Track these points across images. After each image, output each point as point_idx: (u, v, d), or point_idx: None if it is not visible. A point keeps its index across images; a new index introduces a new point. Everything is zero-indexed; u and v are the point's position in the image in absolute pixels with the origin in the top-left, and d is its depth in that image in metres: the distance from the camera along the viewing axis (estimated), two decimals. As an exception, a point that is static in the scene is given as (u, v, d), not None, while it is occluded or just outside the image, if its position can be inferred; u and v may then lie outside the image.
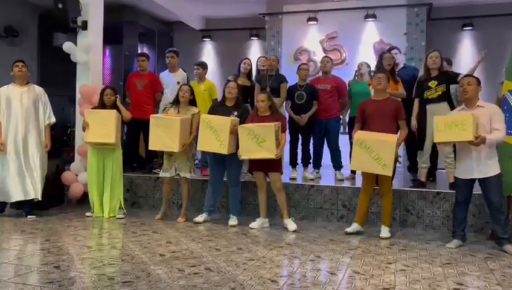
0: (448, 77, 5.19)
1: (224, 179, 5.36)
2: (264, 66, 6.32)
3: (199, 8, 10.03)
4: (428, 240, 4.67)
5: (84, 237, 4.55)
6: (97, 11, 6.50)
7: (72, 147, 6.86)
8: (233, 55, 7.58)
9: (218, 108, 5.22)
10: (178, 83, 6.38)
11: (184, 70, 6.67)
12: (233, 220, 5.17)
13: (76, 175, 6.14)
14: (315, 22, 9.23)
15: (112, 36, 7.98)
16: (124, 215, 5.52)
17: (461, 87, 4.35)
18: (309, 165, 6.28)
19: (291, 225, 4.93)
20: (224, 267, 3.59)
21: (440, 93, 5.12)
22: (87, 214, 5.58)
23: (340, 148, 6.24)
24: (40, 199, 5.38)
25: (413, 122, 5.27)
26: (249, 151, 4.81)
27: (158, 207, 5.74)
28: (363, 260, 3.88)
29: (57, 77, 9.06)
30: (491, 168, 4.21)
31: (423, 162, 5.39)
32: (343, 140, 6.31)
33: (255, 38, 10.34)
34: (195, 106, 5.42)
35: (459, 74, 5.22)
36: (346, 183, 5.75)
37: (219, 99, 5.72)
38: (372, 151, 4.43)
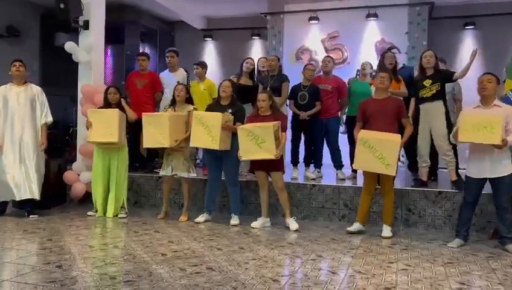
0: (443, 76, 5.20)
1: (223, 178, 5.37)
2: (265, 67, 6.32)
3: (200, 7, 10.03)
4: (430, 239, 4.66)
5: (86, 237, 4.56)
6: (99, 10, 6.52)
7: (74, 147, 6.86)
8: (234, 55, 7.58)
9: (213, 107, 5.25)
10: (178, 82, 6.37)
11: (185, 70, 6.66)
12: (234, 220, 5.17)
13: (78, 175, 6.15)
14: (316, 21, 9.22)
15: (113, 36, 8.00)
16: (126, 214, 5.53)
17: (480, 84, 4.29)
18: (311, 164, 6.28)
19: (293, 224, 4.93)
20: (225, 266, 3.59)
21: (434, 92, 5.13)
22: (89, 213, 5.59)
23: (340, 148, 6.24)
24: (38, 198, 5.39)
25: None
26: (249, 152, 4.82)
27: (160, 206, 5.74)
28: (365, 259, 3.88)
29: (58, 76, 9.09)
30: (505, 167, 4.19)
31: (423, 161, 5.38)
32: (342, 139, 6.31)
33: (257, 37, 10.34)
34: (192, 104, 5.45)
35: (453, 72, 5.22)
36: (348, 183, 5.75)
37: None
38: (376, 151, 4.43)
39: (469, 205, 4.40)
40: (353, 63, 8.92)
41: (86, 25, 6.33)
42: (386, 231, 4.69)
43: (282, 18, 9.50)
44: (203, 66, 6.61)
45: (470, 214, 4.42)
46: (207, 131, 4.91)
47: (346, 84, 6.37)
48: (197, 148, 6.05)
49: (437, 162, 5.95)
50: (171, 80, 6.41)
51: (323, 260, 3.89)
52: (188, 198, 5.45)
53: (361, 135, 4.58)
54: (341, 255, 3.99)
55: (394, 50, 6.21)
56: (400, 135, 4.56)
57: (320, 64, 8.96)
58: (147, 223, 5.19)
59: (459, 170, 5.51)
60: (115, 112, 5.35)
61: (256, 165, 5.02)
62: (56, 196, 6.16)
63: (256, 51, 10.26)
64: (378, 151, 4.42)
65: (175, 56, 6.54)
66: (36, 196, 5.36)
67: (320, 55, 9.22)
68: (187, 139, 5.22)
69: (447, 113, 5.23)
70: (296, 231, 4.86)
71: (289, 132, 5.51)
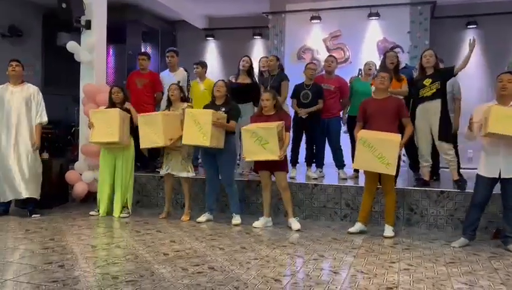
0: (443, 74, 5.20)
1: None
2: (265, 66, 6.33)
3: (202, 7, 10.03)
4: (432, 239, 4.66)
5: (88, 236, 4.57)
6: (101, 10, 6.52)
7: (76, 146, 6.88)
8: (236, 54, 7.56)
9: (208, 107, 5.25)
10: (178, 82, 6.38)
11: (186, 70, 6.67)
12: (236, 219, 5.18)
13: (80, 174, 6.16)
14: (318, 21, 9.21)
15: (115, 35, 8.00)
16: (128, 214, 5.54)
17: (499, 83, 4.22)
18: (312, 164, 6.27)
19: (295, 224, 4.94)
20: (227, 266, 3.60)
21: (434, 90, 5.11)
22: (91, 213, 5.60)
23: (342, 147, 6.24)
24: (37, 197, 5.40)
25: None
26: (253, 153, 4.82)
27: (161, 206, 5.75)
28: (367, 259, 3.88)
29: (60, 76, 9.10)
30: None
31: (424, 160, 5.37)
32: (344, 139, 6.31)
33: (258, 37, 10.33)
34: (187, 102, 5.50)
35: (453, 66, 5.20)
36: (350, 183, 5.75)
37: None
38: (376, 150, 4.43)
39: (478, 205, 4.31)
40: (355, 62, 8.89)
41: (88, 25, 6.34)
42: (388, 230, 4.69)
43: (284, 17, 9.49)
44: (203, 65, 6.62)
45: (479, 214, 4.33)
46: (198, 128, 4.93)
47: (348, 84, 6.36)
48: (198, 148, 6.06)
49: (439, 162, 5.94)
50: (171, 79, 6.40)
51: (325, 259, 3.89)
52: (188, 197, 5.46)
53: (361, 134, 4.58)
54: (343, 255, 3.99)
55: (398, 49, 6.19)
56: (400, 135, 4.56)
57: (323, 63, 9.04)
58: (149, 223, 5.19)
59: (460, 170, 5.51)
60: (115, 112, 5.35)
61: (260, 165, 5.03)
62: (58, 196, 6.18)
63: (258, 50, 10.26)
64: (378, 150, 4.42)
65: (175, 56, 6.55)
66: (34, 195, 5.37)
67: (321, 54, 9.21)
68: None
69: (447, 112, 5.22)
70: (298, 230, 4.86)
71: (290, 132, 5.50)
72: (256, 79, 6.39)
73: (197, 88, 6.40)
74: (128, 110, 5.53)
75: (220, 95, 5.19)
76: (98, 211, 5.61)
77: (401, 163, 6.72)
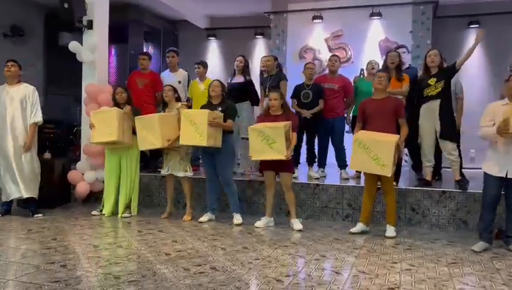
0: (447, 72, 5.19)
1: None
2: (264, 66, 6.37)
3: (204, 6, 10.02)
4: (433, 239, 4.65)
5: (90, 236, 4.58)
6: (102, 10, 6.52)
7: (78, 146, 6.89)
8: (238, 54, 7.55)
9: (205, 107, 5.26)
10: (179, 82, 6.40)
11: (185, 70, 6.69)
12: (237, 219, 5.18)
13: (82, 174, 6.16)
14: (320, 20, 9.20)
15: (117, 35, 8.01)
16: (130, 214, 5.55)
17: None
18: (314, 164, 6.27)
19: (297, 224, 4.94)
20: (229, 266, 3.60)
21: (440, 90, 5.11)
22: (93, 212, 5.61)
23: (345, 147, 6.23)
24: (33, 197, 5.41)
25: None
26: (260, 152, 4.82)
27: (163, 205, 5.76)
28: (368, 259, 3.88)
29: (63, 76, 9.10)
30: None
31: (427, 160, 5.37)
32: (348, 139, 6.30)
33: (260, 36, 10.33)
34: (187, 102, 5.57)
35: (454, 63, 5.18)
36: (352, 182, 5.74)
37: None
38: (371, 151, 4.42)
39: (490, 205, 4.23)
40: (357, 62, 8.89)
41: (90, 25, 6.34)
42: (390, 230, 4.69)
43: (286, 17, 9.48)
44: (204, 65, 6.64)
45: (492, 214, 4.23)
46: (195, 128, 4.94)
47: (352, 83, 6.36)
48: (198, 148, 6.09)
49: (441, 162, 5.93)
50: (172, 79, 6.41)
51: (327, 260, 3.89)
52: (189, 197, 5.47)
53: (357, 135, 4.59)
54: (344, 255, 3.99)
55: (403, 49, 6.16)
56: (397, 136, 4.54)
57: (325, 63, 9.05)
58: (151, 223, 5.20)
59: (462, 169, 5.50)
60: (113, 111, 5.37)
61: (266, 165, 5.02)
62: (60, 196, 6.19)
63: (260, 50, 10.26)
64: (373, 151, 4.41)
65: (175, 56, 6.56)
66: (32, 194, 5.38)
67: (323, 54, 9.21)
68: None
69: (452, 110, 5.20)
70: (300, 231, 4.86)
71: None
72: (253, 78, 6.43)
73: (197, 88, 6.40)
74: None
75: (215, 94, 5.20)
76: (101, 210, 5.63)
77: (404, 163, 6.73)
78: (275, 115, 4.96)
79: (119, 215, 5.48)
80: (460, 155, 5.40)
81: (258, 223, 5.05)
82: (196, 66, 6.53)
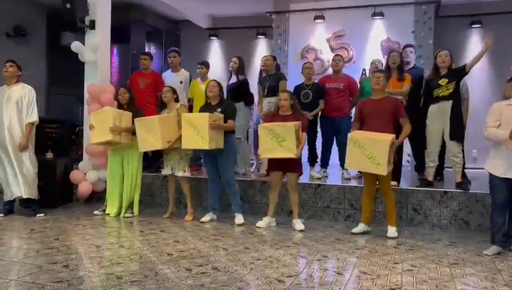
0: (457, 73, 5.17)
1: None
2: (263, 66, 6.40)
3: (206, 6, 10.04)
4: (435, 239, 4.66)
5: (93, 236, 4.59)
6: (105, 10, 6.54)
7: (80, 146, 6.90)
8: (240, 54, 7.56)
9: (204, 108, 5.28)
10: (181, 82, 6.41)
11: (187, 70, 6.72)
12: (239, 219, 5.19)
13: (85, 174, 6.18)
14: (322, 20, 9.21)
15: (119, 35, 8.03)
16: (132, 214, 5.57)
17: None
18: (316, 164, 6.27)
19: (299, 225, 4.94)
20: (231, 266, 3.61)
21: (451, 90, 5.09)
22: (96, 212, 5.63)
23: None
24: (34, 197, 5.43)
25: None
26: (269, 150, 4.81)
27: (165, 206, 5.77)
28: (370, 259, 3.88)
29: (65, 75, 9.14)
30: None
31: (431, 161, 5.36)
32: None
33: (262, 36, 10.34)
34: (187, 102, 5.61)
35: (464, 65, 5.17)
36: (353, 183, 5.74)
37: None
38: (366, 150, 4.42)
39: (500, 207, 4.12)
40: (359, 62, 8.90)
41: (92, 25, 6.35)
42: (391, 231, 4.69)
43: (288, 17, 9.49)
44: (207, 66, 6.66)
45: (504, 217, 4.12)
46: (196, 132, 4.94)
47: (357, 82, 6.37)
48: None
49: (444, 162, 5.92)
50: (173, 80, 6.43)
51: (329, 260, 3.90)
52: (189, 197, 5.48)
53: (352, 134, 4.59)
54: (346, 256, 4.00)
55: (410, 49, 6.12)
56: (392, 135, 4.53)
57: (327, 63, 9.09)
58: (153, 223, 5.21)
59: (465, 170, 5.49)
60: (109, 111, 5.40)
61: (274, 165, 5.00)
62: (62, 195, 6.21)
63: (262, 50, 10.27)
64: (368, 151, 4.41)
65: (177, 56, 6.57)
66: (32, 195, 5.40)
67: (325, 54, 9.23)
68: (180, 139, 5.27)
69: (461, 112, 5.18)
70: (301, 231, 4.87)
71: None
72: (254, 78, 6.47)
73: (199, 88, 6.41)
74: (135, 108, 5.57)
75: (213, 95, 5.20)
76: (103, 210, 5.64)
77: (406, 163, 6.73)
78: (284, 115, 4.96)
79: (121, 215, 5.50)
80: (463, 157, 5.39)
81: (260, 223, 5.05)
82: (199, 66, 6.54)
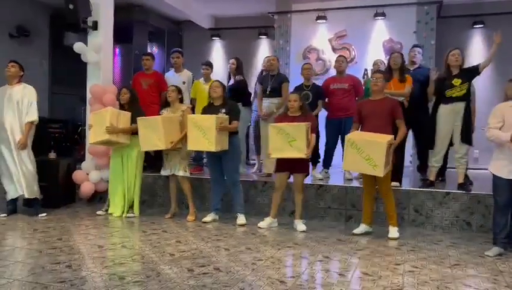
0: (470, 73, 5.15)
1: None
2: (266, 66, 6.41)
3: (208, 6, 10.06)
4: (437, 240, 4.66)
5: (95, 236, 4.61)
6: (107, 11, 6.55)
7: (83, 146, 6.93)
8: (242, 54, 7.58)
9: (207, 109, 5.29)
10: (184, 83, 6.42)
11: (190, 71, 6.74)
12: (241, 219, 5.21)
13: (87, 174, 6.20)
14: (324, 21, 9.21)
15: (121, 35, 8.04)
16: (134, 214, 5.58)
17: None
18: (318, 164, 6.28)
19: (300, 226, 4.95)
20: (233, 267, 3.62)
21: (465, 91, 5.06)
22: (98, 212, 5.65)
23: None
24: (34, 197, 5.44)
25: None
26: (279, 150, 4.81)
27: (168, 206, 5.78)
28: (372, 260, 3.89)
29: (68, 75, 9.17)
30: None
31: (436, 161, 5.35)
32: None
33: (264, 36, 10.35)
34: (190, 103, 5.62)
35: (477, 65, 5.14)
36: (355, 183, 5.74)
37: None
38: (363, 152, 4.42)
39: (502, 208, 4.12)
40: (361, 62, 8.91)
41: (95, 26, 6.37)
42: (393, 232, 4.69)
43: (290, 17, 9.50)
44: (212, 67, 6.70)
45: (506, 218, 4.12)
46: (202, 134, 4.95)
47: (361, 82, 6.37)
48: None
49: (446, 163, 5.92)
50: (176, 80, 6.44)
51: (330, 261, 3.91)
52: (190, 197, 5.49)
53: (349, 136, 4.59)
54: (348, 257, 4.01)
55: (418, 49, 6.11)
56: (391, 136, 4.53)
57: (328, 63, 9.09)
58: (155, 223, 5.23)
59: (467, 170, 5.48)
60: (105, 111, 5.42)
61: (282, 166, 4.99)
62: (65, 195, 6.24)
63: (264, 50, 10.29)
64: (365, 152, 4.41)
65: (180, 56, 6.59)
66: (33, 195, 5.43)
67: (327, 54, 9.23)
68: (182, 140, 5.29)
69: (471, 113, 5.17)
70: (303, 231, 4.88)
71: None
72: (255, 78, 6.52)
73: (201, 88, 6.42)
74: (137, 110, 5.58)
75: (217, 96, 5.21)
76: (106, 210, 5.67)
77: (408, 164, 6.73)
78: (293, 116, 4.97)
79: (123, 215, 5.52)
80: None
81: (262, 224, 5.06)
82: (204, 66, 6.55)
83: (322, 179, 6.00)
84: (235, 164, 5.32)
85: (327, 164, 6.29)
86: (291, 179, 5.09)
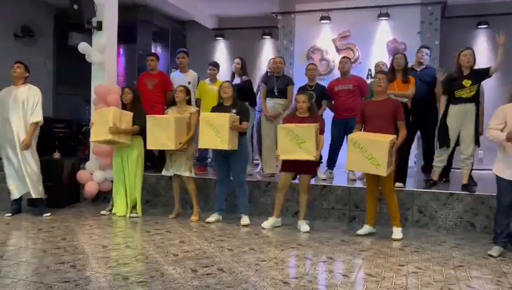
0: (480, 75, 5.12)
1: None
2: (271, 68, 6.41)
3: (212, 7, 10.07)
4: (441, 241, 4.65)
5: (99, 236, 4.63)
6: (112, 11, 6.57)
7: (87, 146, 6.95)
8: (246, 54, 7.58)
9: (217, 109, 5.29)
10: (189, 83, 6.43)
11: (194, 71, 6.75)
12: (245, 220, 5.21)
13: (91, 174, 6.22)
14: (328, 21, 9.20)
15: (125, 35, 8.08)
16: (137, 214, 5.60)
17: None
18: (320, 165, 6.27)
19: (304, 226, 4.96)
20: (236, 267, 3.63)
21: (474, 92, 5.04)
22: (102, 212, 5.67)
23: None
24: (39, 196, 5.47)
25: None
26: (288, 151, 4.81)
27: (171, 206, 5.79)
28: (375, 261, 3.89)
29: (72, 76, 9.19)
30: None
31: (440, 160, 5.33)
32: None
33: (268, 37, 10.34)
34: (192, 105, 5.62)
35: (488, 67, 5.11)
36: (359, 184, 5.74)
37: None
38: (366, 151, 4.43)
39: (505, 209, 4.12)
40: (365, 62, 8.89)
41: (99, 26, 6.39)
42: (397, 232, 4.69)
43: (293, 17, 9.48)
44: (219, 67, 6.70)
45: (509, 218, 4.14)
46: (215, 132, 4.96)
47: (366, 82, 6.36)
48: (206, 149, 6.18)
49: (451, 163, 5.90)
50: (182, 80, 6.46)
51: (334, 262, 3.91)
52: (195, 197, 5.50)
53: (352, 136, 4.60)
54: (351, 257, 4.00)
55: (426, 51, 6.10)
56: (393, 136, 4.53)
57: (332, 63, 9.08)
58: (159, 223, 5.24)
59: (472, 171, 5.46)
60: (108, 111, 5.43)
61: (288, 166, 4.98)
62: (69, 195, 6.26)
63: (267, 50, 10.29)
64: (368, 151, 4.42)
65: (185, 57, 6.61)
66: (38, 194, 5.46)
67: (331, 54, 9.21)
68: (189, 140, 5.31)
69: (478, 115, 5.15)
70: (307, 232, 4.88)
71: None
72: (259, 79, 6.51)
73: (208, 89, 6.43)
74: (138, 108, 5.58)
75: (227, 96, 5.22)
76: (110, 210, 5.69)
77: (412, 164, 6.71)
78: (302, 117, 4.97)
79: (127, 215, 5.54)
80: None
81: (265, 224, 5.07)
82: (211, 67, 6.56)
83: (325, 180, 6.00)
84: (243, 164, 5.32)
85: (331, 164, 6.29)
86: (296, 180, 5.09)
